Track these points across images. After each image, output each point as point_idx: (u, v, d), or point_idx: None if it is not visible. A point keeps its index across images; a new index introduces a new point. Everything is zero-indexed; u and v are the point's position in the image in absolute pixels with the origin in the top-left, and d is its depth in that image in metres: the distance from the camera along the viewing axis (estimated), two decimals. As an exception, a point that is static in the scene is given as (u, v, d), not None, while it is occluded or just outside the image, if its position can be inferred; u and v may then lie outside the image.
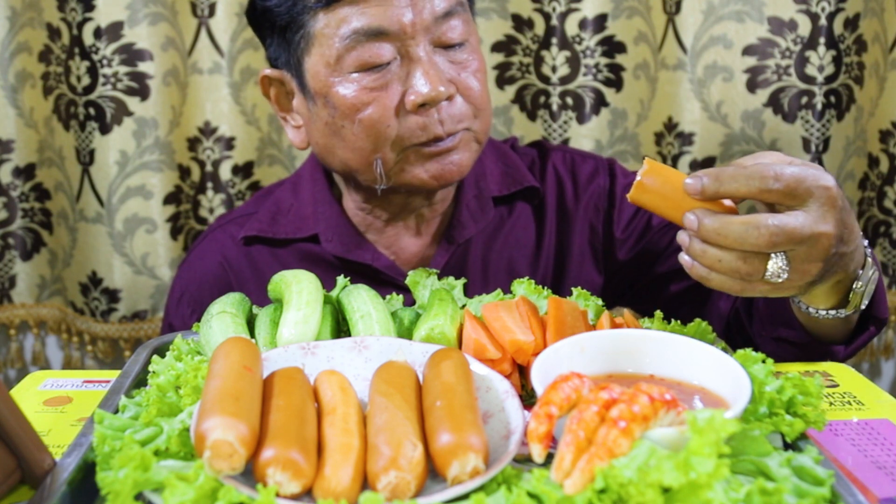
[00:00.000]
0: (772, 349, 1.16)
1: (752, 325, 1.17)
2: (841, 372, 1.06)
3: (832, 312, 0.98)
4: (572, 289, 1.05)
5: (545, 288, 1.04)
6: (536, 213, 1.32)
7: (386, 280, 1.25)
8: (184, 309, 1.32)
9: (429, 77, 1.10)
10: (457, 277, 1.24)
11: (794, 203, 0.83)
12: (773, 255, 0.84)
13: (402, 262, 1.28)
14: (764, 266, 0.84)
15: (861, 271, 0.94)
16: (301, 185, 1.33)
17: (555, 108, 1.86)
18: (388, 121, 1.12)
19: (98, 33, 1.77)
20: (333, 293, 1.05)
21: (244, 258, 1.30)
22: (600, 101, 1.86)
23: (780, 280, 0.85)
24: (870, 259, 0.95)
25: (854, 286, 0.94)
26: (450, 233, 1.27)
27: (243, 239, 1.30)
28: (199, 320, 1.31)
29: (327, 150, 1.19)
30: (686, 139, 1.86)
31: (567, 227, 1.32)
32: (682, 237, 0.87)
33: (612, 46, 1.84)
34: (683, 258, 0.87)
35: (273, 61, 1.23)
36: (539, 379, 0.76)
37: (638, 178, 0.89)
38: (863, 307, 0.96)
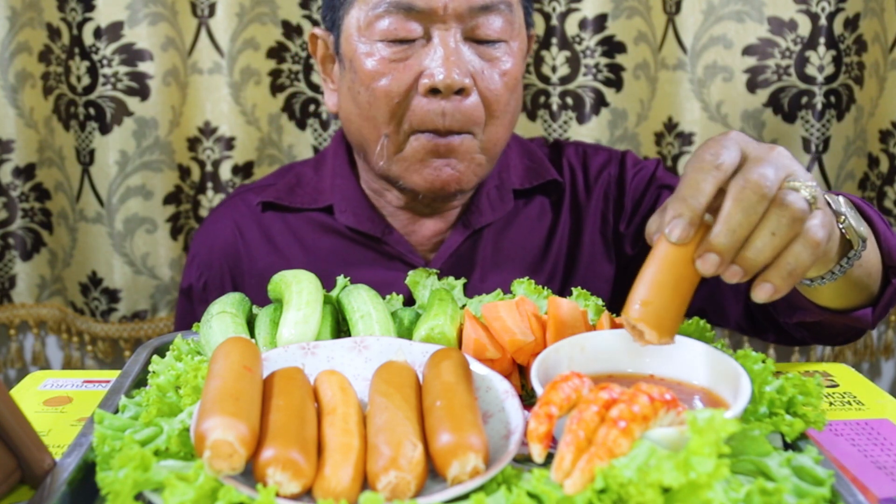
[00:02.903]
0: (802, 336, 1.15)
1: (778, 315, 1.15)
2: (841, 372, 1.06)
3: (844, 265, 0.89)
4: (572, 289, 1.05)
5: (545, 287, 1.04)
6: (554, 206, 1.33)
7: (395, 255, 1.26)
8: (194, 271, 1.35)
9: (447, 63, 1.10)
10: (467, 262, 1.24)
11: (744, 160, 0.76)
12: (787, 186, 0.74)
13: (414, 242, 1.29)
14: (797, 196, 0.73)
15: (831, 210, 0.86)
16: (324, 162, 1.35)
17: (555, 108, 1.86)
18: (399, 96, 1.13)
19: (98, 33, 1.77)
20: (333, 293, 1.05)
21: (256, 225, 1.32)
22: (600, 101, 1.86)
23: (814, 191, 0.75)
24: (832, 197, 0.88)
25: (840, 225, 0.87)
26: (467, 218, 1.27)
27: (260, 205, 1.32)
28: (206, 283, 1.33)
29: (347, 117, 1.21)
30: (686, 139, 1.86)
31: (579, 218, 1.32)
32: (729, 278, 0.74)
33: (612, 46, 1.84)
34: (760, 292, 0.74)
35: (322, 20, 1.25)
36: (539, 379, 0.76)
37: (644, 329, 0.75)
38: (865, 237, 0.88)
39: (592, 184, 1.33)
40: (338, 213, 1.28)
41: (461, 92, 1.12)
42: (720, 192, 0.75)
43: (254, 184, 1.40)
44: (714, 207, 0.75)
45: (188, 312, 1.36)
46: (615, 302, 1.06)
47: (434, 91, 1.11)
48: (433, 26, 1.11)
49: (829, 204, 0.86)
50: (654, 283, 0.75)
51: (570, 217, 1.33)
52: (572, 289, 1.05)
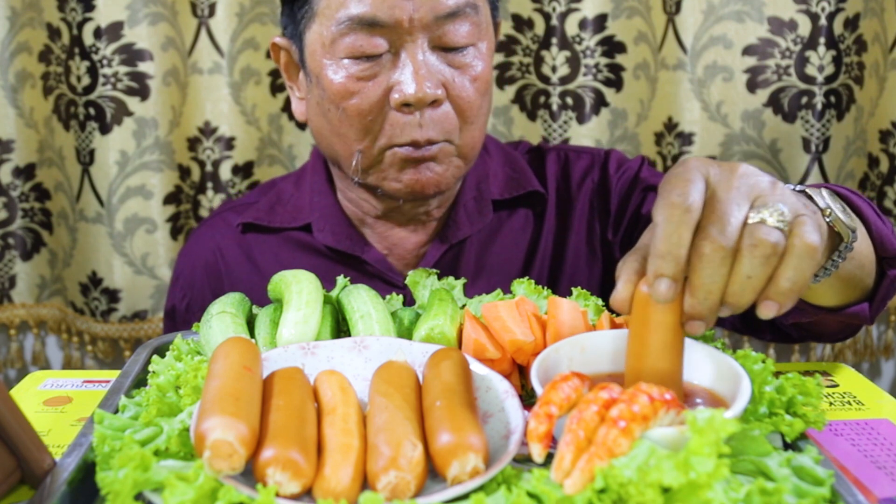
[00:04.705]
0: (800, 334, 1.14)
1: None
2: (841, 372, 1.06)
3: (836, 259, 0.87)
4: (572, 289, 1.04)
5: (545, 288, 1.04)
6: (537, 217, 1.31)
7: (374, 273, 1.25)
8: (178, 291, 1.34)
9: (417, 77, 1.08)
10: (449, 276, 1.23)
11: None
12: (754, 221, 0.70)
13: (394, 258, 1.27)
14: (766, 230, 0.70)
15: (812, 204, 0.84)
16: (303, 177, 1.33)
17: (555, 108, 1.86)
18: (371, 114, 1.11)
19: (98, 33, 1.77)
20: (333, 293, 1.05)
21: (237, 245, 1.31)
22: (600, 101, 1.86)
23: (782, 213, 0.71)
24: (815, 191, 0.86)
25: (827, 218, 0.85)
26: (444, 232, 1.26)
27: (240, 226, 1.31)
28: (189, 304, 1.32)
29: (318, 131, 1.20)
30: (686, 139, 1.86)
31: (564, 229, 1.30)
32: (723, 314, 0.72)
33: (612, 46, 1.84)
34: (764, 310, 0.71)
35: (283, 30, 1.23)
36: (539, 379, 0.76)
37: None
38: (854, 228, 0.86)
39: (575, 192, 1.31)
40: (316, 232, 1.26)
41: (433, 103, 1.10)
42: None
43: (236, 202, 1.39)
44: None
45: None
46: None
47: (406, 105, 1.09)
48: (399, 39, 1.09)
49: (811, 199, 0.85)
50: (655, 356, 0.73)
51: (555, 228, 1.30)
52: (572, 289, 1.05)
